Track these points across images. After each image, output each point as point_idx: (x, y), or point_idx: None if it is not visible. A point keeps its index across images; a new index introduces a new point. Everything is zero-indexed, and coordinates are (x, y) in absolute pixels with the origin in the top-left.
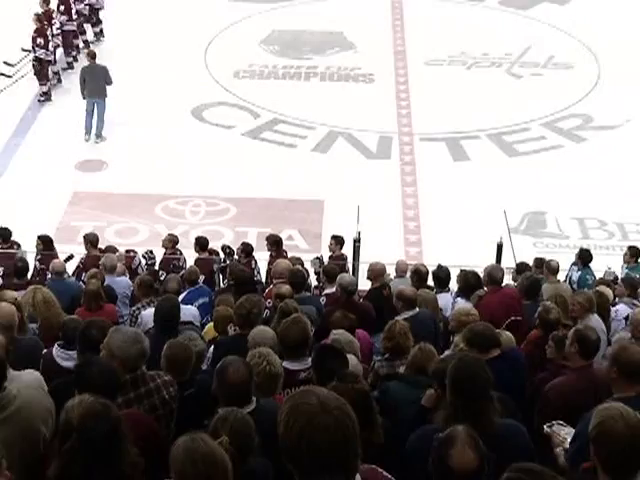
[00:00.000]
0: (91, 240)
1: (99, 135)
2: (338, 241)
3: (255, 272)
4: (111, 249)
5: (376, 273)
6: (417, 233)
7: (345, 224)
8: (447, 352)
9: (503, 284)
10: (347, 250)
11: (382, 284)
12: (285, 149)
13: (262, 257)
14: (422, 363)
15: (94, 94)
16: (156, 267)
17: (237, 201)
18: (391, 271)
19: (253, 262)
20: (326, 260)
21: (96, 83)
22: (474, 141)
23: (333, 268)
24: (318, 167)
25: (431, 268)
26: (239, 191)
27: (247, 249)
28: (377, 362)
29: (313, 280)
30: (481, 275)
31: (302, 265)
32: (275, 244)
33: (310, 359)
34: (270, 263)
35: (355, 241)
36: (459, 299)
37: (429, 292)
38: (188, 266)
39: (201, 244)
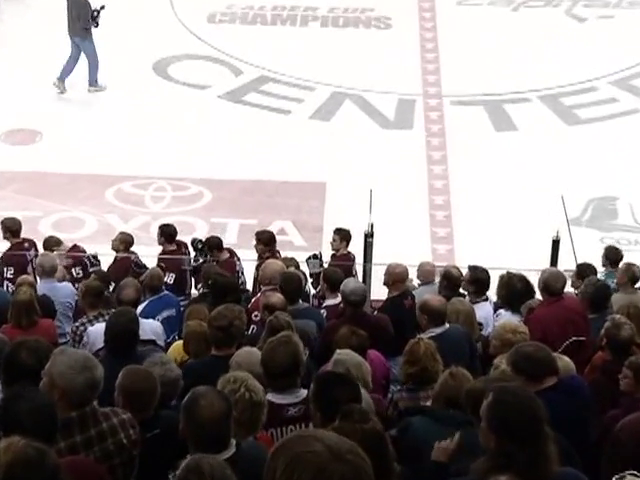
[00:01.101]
0: (9, 227)
1: (92, 83)
2: (343, 236)
3: (238, 276)
4: (52, 242)
5: (395, 278)
6: (447, 226)
7: (353, 214)
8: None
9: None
10: (356, 248)
11: (403, 292)
12: (276, 116)
13: (246, 256)
14: (454, 393)
15: (70, 31)
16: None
17: (213, 184)
18: (414, 275)
19: (236, 263)
20: (328, 261)
21: (71, 18)
22: (522, 105)
23: (336, 272)
24: (318, 139)
25: (465, 271)
26: (215, 171)
27: (212, 243)
28: (396, 393)
29: (311, 287)
30: (531, 280)
31: (297, 267)
32: (270, 243)
33: (302, 391)
34: (259, 265)
35: (367, 236)
36: (502, 311)
37: (463, 302)
38: (150, 267)
39: (167, 235)
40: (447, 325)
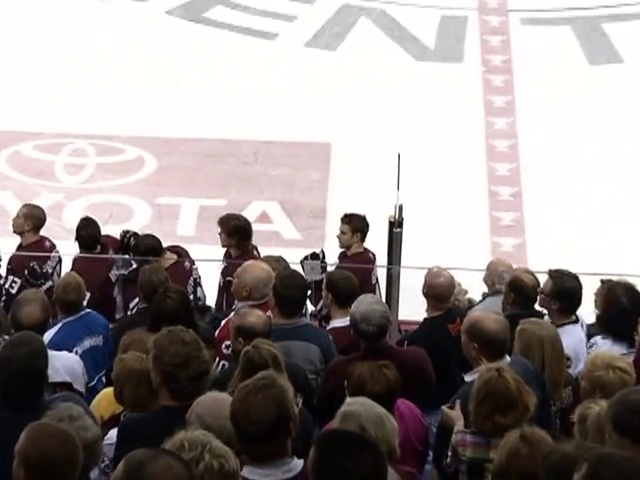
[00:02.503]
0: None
1: None
2: (357, 225)
3: (194, 289)
4: None
5: (435, 291)
6: (515, 208)
7: (372, 191)
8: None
9: None
10: (376, 243)
11: (447, 312)
12: (255, 42)
13: (209, 254)
14: (529, 467)
15: None
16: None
17: (159, 145)
18: (466, 283)
19: (190, 268)
20: (334, 262)
21: None
22: (630, 25)
23: (347, 278)
24: (319, 78)
25: (544, 278)
26: (163, 126)
27: (142, 247)
28: (457, 435)
29: (308, 303)
30: None
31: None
32: (238, 233)
33: (296, 462)
34: (228, 270)
35: (392, 225)
36: (599, 339)
37: (540, 325)
38: (64, 273)
39: (87, 237)
40: (508, 359)
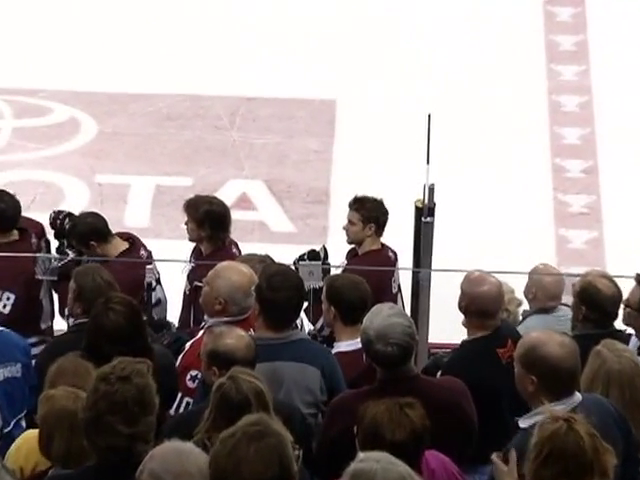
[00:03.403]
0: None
1: None
2: (369, 213)
3: (149, 294)
4: None
5: (480, 301)
6: (591, 190)
7: (391, 167)
8: None
9: None
10: (396, 237)
11: (494, 332)
12: None
13: (171, 251)
14: None
15: None
16: None
17: (99, 102)
18: (520, 291)
19: (145, 267)
20: (341, 264)
21: None
22: None
23: (356, 285)
24: (319, 11)
25: (629, 286)
26: (104, 77)
27: (79, 232)
28: None
29: (304, 318)
30: None
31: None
32: (211, 223)
33: None
34: (197, 273)
35: (421, 212)
36: None
37: (621, 350)
38: None
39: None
40: (578, 397)
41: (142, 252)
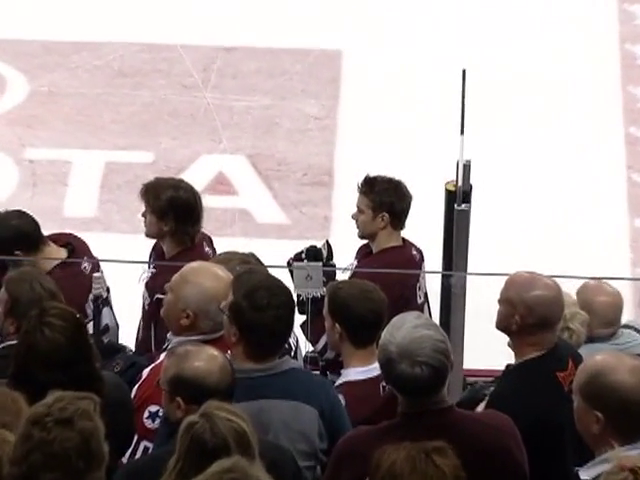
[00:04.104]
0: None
1: None
2: (384, 198)
3: (96, 311)
4: None
5: (540, 310)
6: None
7: (413, 138)
8: None
9: None
10: (421, 230)
11: (553, 349)
12: None
13: (117, 251)
14: None
15: None
16: None
17: (28, 54)
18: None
19: (88, 273)
20: (350, 265)
21: None
22: None
23: (365, 296)
24: None
25: None
26: (34, 22)
27: (6, 232)
28: None
29: (299, 338)
30: None
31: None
32: (176, 213)
33: None
34: (157, 279)
35: (454, 197)
36: None
37: None
38: None
39: None
40: None
41: (84, 265)
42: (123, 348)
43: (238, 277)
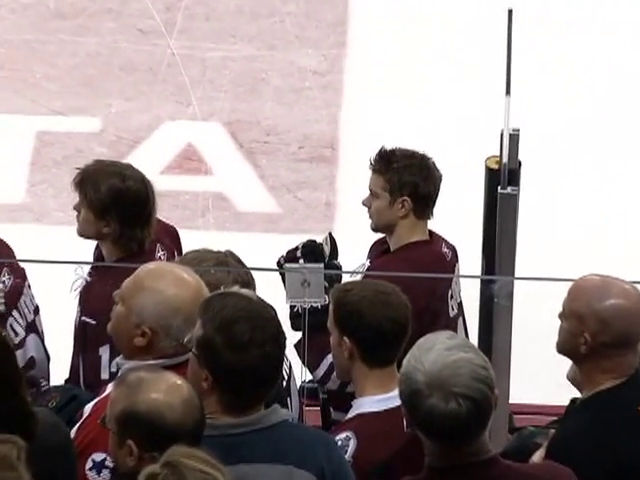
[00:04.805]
0: None
1: None
2: (404, 178)
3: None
4: None
5: (615, 317)
6: None
7: (442, 98)
8: None
9: None
10: (454, 221)
11: (634, 376)
12: None
13: (50, 250)
14: None
15: None
16: None
17: None
18: None
19: (13, 284)
20: (361, 266)
21: None
22: None
23: (383, 304)
24: None
25: None
26: None
27: None
28: None
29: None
30: None
31: (247, 285)
32: (120, 206)
33: None
34: (93, 293)
35: (498, 178)
36: None
37: None
38: None
39: None
40: None
41: (4, 276)
42: (38, 383)
43: (208, 302)
